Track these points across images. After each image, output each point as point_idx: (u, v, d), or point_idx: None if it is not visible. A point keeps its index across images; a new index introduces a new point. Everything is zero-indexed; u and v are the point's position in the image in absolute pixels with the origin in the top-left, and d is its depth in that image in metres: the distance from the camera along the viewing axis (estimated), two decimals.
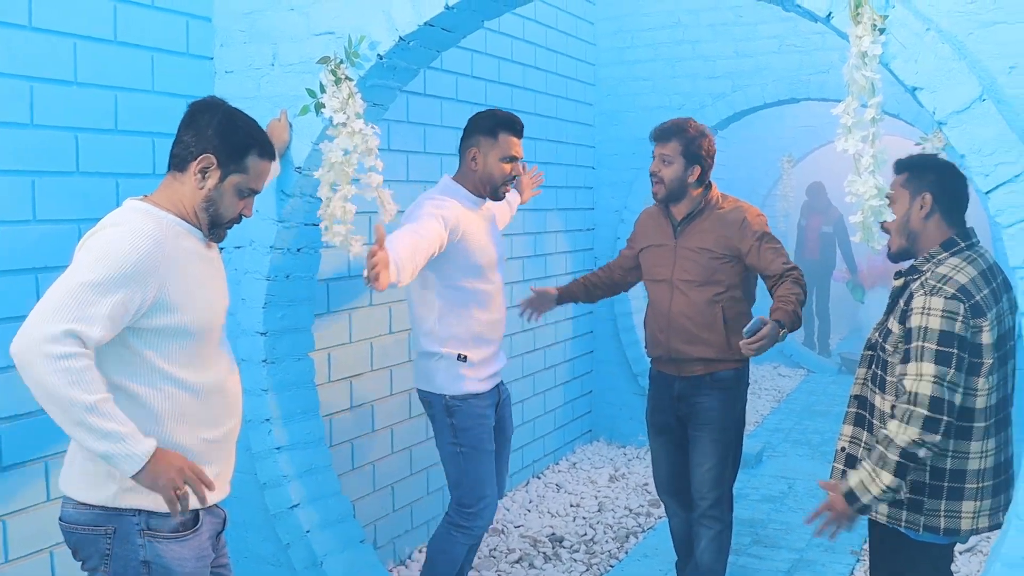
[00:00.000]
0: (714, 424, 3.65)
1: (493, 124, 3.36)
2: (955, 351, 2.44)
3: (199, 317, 2.26)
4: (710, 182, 3.72)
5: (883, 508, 2.67)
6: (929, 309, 2.48)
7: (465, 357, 3.34)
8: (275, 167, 3.13)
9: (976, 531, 2.61)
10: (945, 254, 2.61)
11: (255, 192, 2.38)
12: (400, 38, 3.00)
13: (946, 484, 2.58)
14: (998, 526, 2.60)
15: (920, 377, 2.46)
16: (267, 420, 3.30)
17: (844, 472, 2.77)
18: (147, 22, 3.19)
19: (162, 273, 2.16)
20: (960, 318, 2.44)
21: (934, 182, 2.64)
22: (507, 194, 3.53)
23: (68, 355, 2.00)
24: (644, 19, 6.37)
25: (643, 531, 4.93)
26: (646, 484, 5.70)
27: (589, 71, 6.41)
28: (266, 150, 2.36)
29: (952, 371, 2.43)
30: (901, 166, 2.75)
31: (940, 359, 2.44)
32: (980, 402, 2.52)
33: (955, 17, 2.37)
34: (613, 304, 6.38)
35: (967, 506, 2.58)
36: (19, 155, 2.81)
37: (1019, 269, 2.27)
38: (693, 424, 3.69)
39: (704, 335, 3.58)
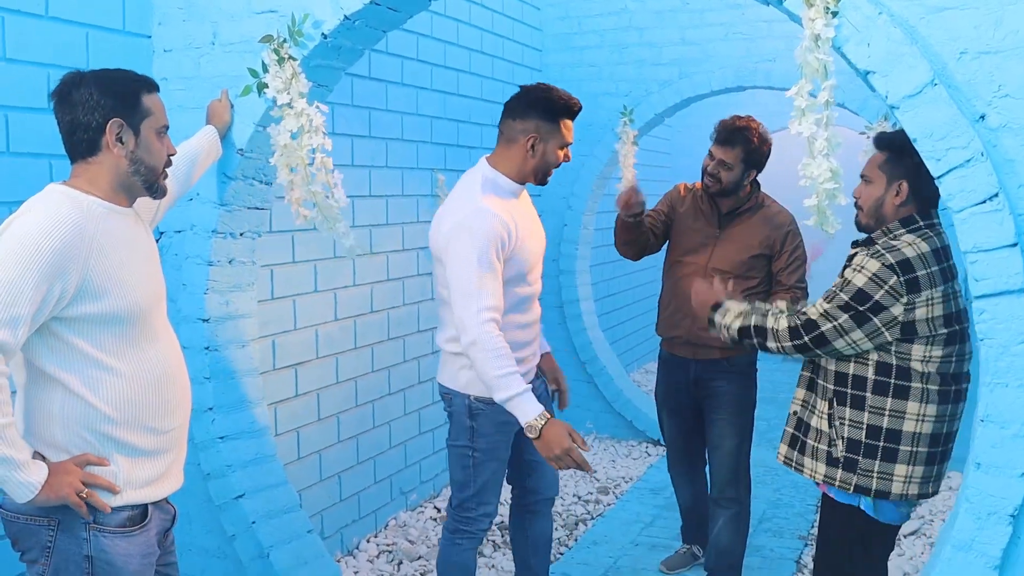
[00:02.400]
0: (732, 408, 3.76)
1: (554, 110, 3.01)
2: (860, 308, 2.57)
3: (129, 301, 2.16)
4: (757, 180, 3.81)
5: (820, 468, 2.75)
6: (862, 267, 2.58)
7: None
8: (218, 147, 3.04)
9: (905, 497, 2.66)
10: (902, 230, 2.66)
11: (167, 128, 2.29)
12: (345, 16, 2.92)
13: (881, 444, 2.65)
14: (926, 495, 2.68)
15: (817, 307, 2.68)
16: (210, 409, 3.21)
17: (793, 437, 2.86)
18: None
19: (83, 259, 2.06)
20: (886, 287, 2.53)
21: (911, 171, 2.64)
22: None
23: None
24: (590, 5, 6.34)
25: (592, 519, 4.93)
26: (594, 471, 5.69)
27: (535, 57, 6.36)
28: (150, 84, 2.27)
29: (846, 317, 2.59)
30: (883, 143, 2.76)
31: (844, 307, 2.60)
32: (917, 366, 2.59)
33: (906, 2, 2.37)
34: (560, 291, 6.36)
35: (899, 469, 2.64)
36: None
37: (969, 254, 2.28)
38: (711, 407, 3.80)
39: None
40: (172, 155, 2.32)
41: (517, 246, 2.96)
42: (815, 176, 2.35)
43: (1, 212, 2.84)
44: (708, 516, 4.02)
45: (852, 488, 2.69)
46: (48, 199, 2.11)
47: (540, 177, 3.11)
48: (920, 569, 4.26)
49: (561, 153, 3.09)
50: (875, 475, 2.66)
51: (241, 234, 3.26)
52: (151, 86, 2.26)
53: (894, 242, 2.61)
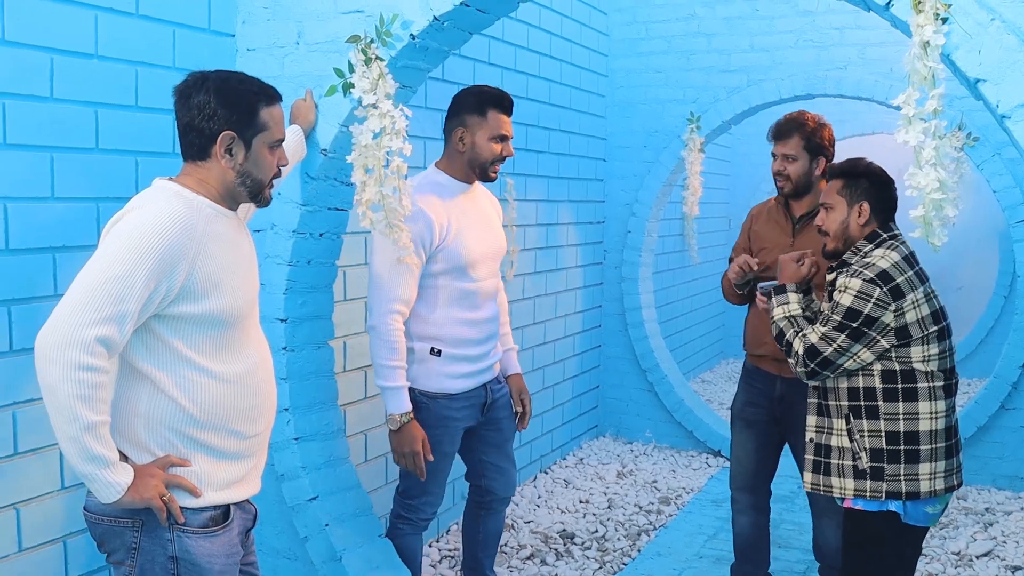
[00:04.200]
0: None
1: (480, 101, 3.18)
2: (854, 324, 2.74)
3: (228, 305, 2.16)
4: None
5: (849, 484, 2.85)
6: (846, 287, 2.78)
7: (439, 352, 3.19)
8: (303, 147, 3.03)
9: (934, 493, 2.78)
10: (870, 246, 2.89)
11: (282, 141, 2.28)
12: (435, 18, 2.89)
13: (902, 447, 2.78)
14: (952, 488, 2.82)
15: (816, 331, 2.85)
16: (286, 409, 3.20)
17: (815, 463, 2.97)
18: None
19: (191, 258, 2.06)
20: (873, 300, 2.72)
21: (869, 190, 2.91)
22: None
23: (90, 367, 1.93)
24: (658, 10, 6.28)
25: (655, 529, 4.86)
26: (654, 481, 5.63)
27: (602, 62, 6.32)
28: (271, 96, 2.25)
29: (843, 337, 2.76)
30: (836, 173, 3.01)
31: (838, 327, 2.77)
32: (919, 366, 2.77)
33: (1020, 7, 2.29)
34: (623, 299, 6.31)
35: (924, 468, 2.78)
36: (38, 130, 2.69)
37: None
38: (792, 430, 3.58)
39: None
40: (283, 165, 2.31)
41: (450, 241, 3.13)
42: (922, 186, 2.28)
43: (89, 209, 2.85)
44: (765, 557, 3.91)
45: (884, 495, 2.80)
46: (159, 196, 2.11)
47: (478, 172, 3.23)
48: None
49: (497, 147, 3.19)
50: (903, 478, 2.78)
51: (321, 235, 3.25)
52: (272, 98, 2.24)
53: (867, 259, 2.83)
